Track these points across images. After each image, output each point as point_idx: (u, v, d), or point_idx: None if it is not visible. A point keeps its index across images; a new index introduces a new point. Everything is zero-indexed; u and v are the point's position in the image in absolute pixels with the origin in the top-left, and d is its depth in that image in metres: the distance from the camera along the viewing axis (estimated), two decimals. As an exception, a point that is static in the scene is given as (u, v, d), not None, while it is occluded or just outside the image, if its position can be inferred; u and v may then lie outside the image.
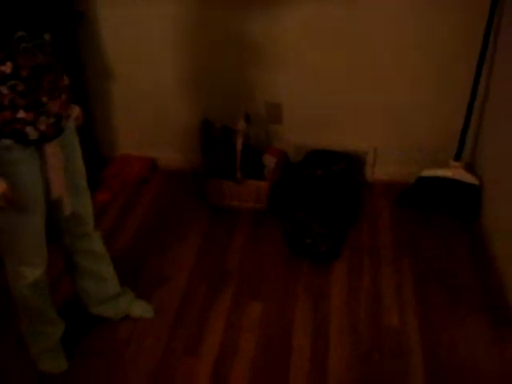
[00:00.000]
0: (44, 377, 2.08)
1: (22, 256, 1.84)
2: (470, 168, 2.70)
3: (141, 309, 2.29)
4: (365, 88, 2.72)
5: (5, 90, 1.57)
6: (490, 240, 2.46)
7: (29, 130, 1.65)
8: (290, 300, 2.32)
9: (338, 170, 2.73)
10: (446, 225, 2.66)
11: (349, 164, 2.80)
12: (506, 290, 2.25)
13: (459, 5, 2.39)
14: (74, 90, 1.72)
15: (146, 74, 2.86)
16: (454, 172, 2.65)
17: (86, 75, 2.88)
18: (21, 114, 1.62)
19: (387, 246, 2.57)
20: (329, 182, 2.67)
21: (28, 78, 1.60)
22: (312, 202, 2.62)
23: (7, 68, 1.55)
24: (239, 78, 2.78)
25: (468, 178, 2.63)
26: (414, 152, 2.81)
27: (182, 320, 2.27)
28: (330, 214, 2.57)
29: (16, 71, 1.58)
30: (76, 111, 1.89)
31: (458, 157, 2.65)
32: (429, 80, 2.62)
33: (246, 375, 2.05)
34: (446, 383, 2.00)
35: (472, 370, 2.04)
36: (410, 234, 2.62)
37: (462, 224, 2.64)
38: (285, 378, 2.04)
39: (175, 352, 2.15)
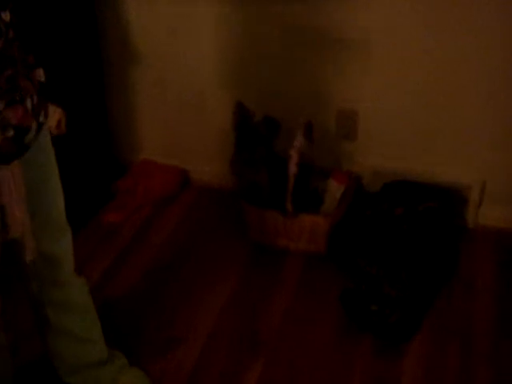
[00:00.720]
0: None
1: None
2: None
3: (133, 382, 1.90)
4: (475, 102, 2.28)
5: None
6: None
7: None
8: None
9: (426, 209, 2.26)
10: None
11: (443, 202, 2.32)
12: None
13: None
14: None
15: (181, 61, 2.53)
16: None
17: (103, 59, 2.60)
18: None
19: (487, 324, 2.07)
20: (410, 226, 2.20)
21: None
22: (386, 251, 2.15)
23: None
24: (302, 77, 2.41)
25: None
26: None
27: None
28: (409, 271, 2.09)
29: None
30: (55, 116, 1.55)
31: None
32: None
33: None
34: None
35: None
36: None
37: None
38: None
39: None
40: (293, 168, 2.24)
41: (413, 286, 2.09)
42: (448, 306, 2.15)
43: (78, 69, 2.39)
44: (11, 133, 1.36)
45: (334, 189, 2.37)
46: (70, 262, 1.71)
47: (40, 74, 1.46)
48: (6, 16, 1.32)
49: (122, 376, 1.89)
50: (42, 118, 1.45)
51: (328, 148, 2.49)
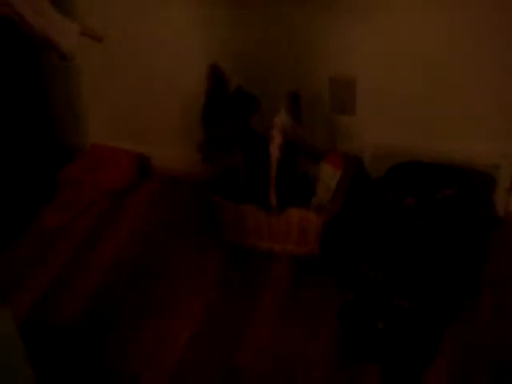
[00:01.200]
0: None
1: None
2: None
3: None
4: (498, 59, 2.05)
5: None
6: None
7: None
8: None
9: (444, 198, 2.03)
10: None
11: (464, 187, 2.09)
12: None
13: None
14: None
15: (135, 18, 2.28)
16: None
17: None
18: None
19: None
20: (425, 220, 1.96)
21: None
22: (395, 252, 1.91)
23: None
24: (287, 37, 2.17)
25: None
26: None
27: None
28: (425, 277, 1.85)
29: None
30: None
31: None
32: None
33: None
34: None
35: None
36: None
37: None
38: None
39: None
40: (275, 151, 1.97)
41: (430, 295, 1.83)
42: (476, 320, 1.90)
43: (10, 45, 2.17)
44: None
45: (328, 175, 2.14)
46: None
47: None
48: None
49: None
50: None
51: (319, 125, 2.30)
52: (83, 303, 2.01)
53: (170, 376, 1.77)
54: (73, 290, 2.06)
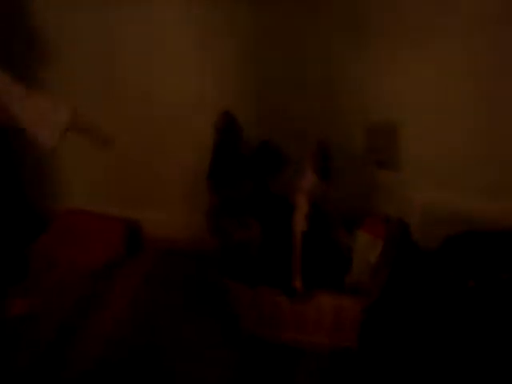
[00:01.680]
0: None
1: None
2: None
3: None
4: None
5: None
6: None
7: None
8: None
9: None
10: None
11: None
12: None
13: None
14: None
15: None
16: None
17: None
18: None
19: None
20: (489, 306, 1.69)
21: None
22: (460, 352, 1.65)
23: None
24: (314, 72, 1.99)
25: None
26: None
27: None
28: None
29: None
30: None
31: None
32: None
33: None
34: None
35: None
36: None
37: None
38: None
39: None
40: (300, 223, 1.74)
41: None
42: None
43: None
44: None
45: (366, 246, 1.89)
46: None
47: None
48: None
49: None
50: None
51: (354, 183, 2.13)
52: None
53: None
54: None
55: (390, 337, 1.84)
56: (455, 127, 2.01)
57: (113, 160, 2.30)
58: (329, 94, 2.05)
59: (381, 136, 2.08)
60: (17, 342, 1.96)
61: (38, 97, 1.57)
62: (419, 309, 1.82)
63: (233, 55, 2.08)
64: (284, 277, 1.85)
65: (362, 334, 1.88)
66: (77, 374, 1.88)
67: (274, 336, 1.94)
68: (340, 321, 1.85)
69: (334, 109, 2.07)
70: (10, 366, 1.87)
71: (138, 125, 2.27)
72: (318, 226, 1.87)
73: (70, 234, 2.35)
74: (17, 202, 2.38)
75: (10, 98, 1.52)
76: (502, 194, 2.10)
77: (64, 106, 1.58)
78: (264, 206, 1.92)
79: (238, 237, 1.91)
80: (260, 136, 1.95)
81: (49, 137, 1.53)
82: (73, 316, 2.07)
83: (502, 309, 1.73)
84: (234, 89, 2.12)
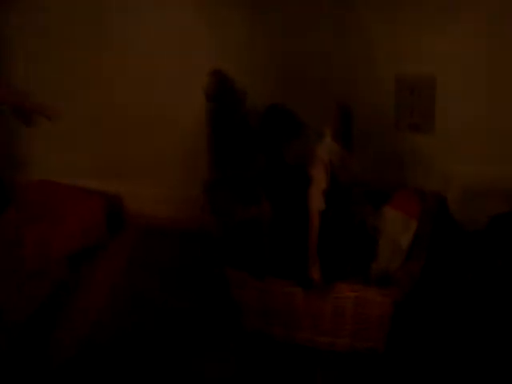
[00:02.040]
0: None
1: None
2: None
3: None
4: None
5: None
6: None
7: None
8: None
9: None
10: None
11: None
12: None
13: None
14: None
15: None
16: None
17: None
18: None
19: None
20: None
21: None
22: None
23: None
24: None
25: None
26: None
27: None
28: None
29: None
30: None
31: None
32: None
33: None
34: None
35: None
36: None
37: None
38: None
39: None
40: (316, 201, 1.55)
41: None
42: None
43: None
44: None
45: (396, 227, 1.74)
46: None
47: None
48: None
49: None
50: None
51: (381, 150, 1.99)
52: None
53: None
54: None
55: (424, 336, 1.67)
56: (502, 93, 1.85)
57: (90, 125, 2.21)
58: (354, 47, 1.88)
59: (414, 91, 1.92)
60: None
61: None
62: (460, 303, 1.66)
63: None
64: (298, 265, 1.67)
65: (391, 333, 1.69)
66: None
67: (285, 335, 1.81)
68: (364, 317, 1.69)
69: (359, 62, 1.90)
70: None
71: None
72: (338, 204, 1.67)
73: (38, 210, 2.16)
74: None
75: None
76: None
77: None
78: (275, 179, 1.73)
79: (242, 216, 1.75)
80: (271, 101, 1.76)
81: None
82: (43, 313, 1.89)
83: None
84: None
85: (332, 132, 1.65)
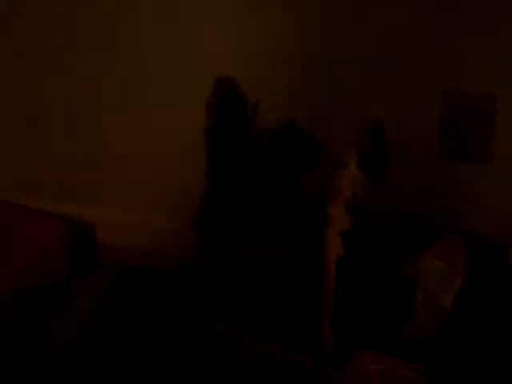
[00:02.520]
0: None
1: None
2: None
3: None
4: None
5: None
6: None
7: None
8: None
9: None
10: None
11: None
12: None
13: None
14: None
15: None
16: None
17: None
18: None
19: None
20: None
21: None
22: None
23: None
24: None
25: None
26: None
27: None
28: None
29: None
30: None
31: None
32: None
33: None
34: None
35: None
36: None
37: None
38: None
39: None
40: (334, 245, 1.34)
41: None
42: None
43: None
44: None
45: (438, 281, 1.47)
46: None
47: None
48: None
49: None
50: None
51: (422, 184, 1.76)
52: None
53: None
54: None
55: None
56: None
57: (52, 130, 2.05)
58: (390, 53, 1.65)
59: (467, 110, 1.65)
60: None
61: None
62: None
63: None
64: (308, 327, 1.45)
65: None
66: None
67: None
68: None
69: (397, 72, 1.67)
70: None
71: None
72: (363, 249, 1.45)
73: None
74: None
75: None
76: None
77: None
78: (287, 214, 1.53)
79: (242, 259, 1.53)
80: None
81: None
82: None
83: None
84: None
85: (357, 157, 1.41)
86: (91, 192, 2.15)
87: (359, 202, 1.42)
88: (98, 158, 2.12)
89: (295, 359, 1.44)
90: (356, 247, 1.42)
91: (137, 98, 1.99)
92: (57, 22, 2.01)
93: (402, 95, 1.70)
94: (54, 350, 1.69)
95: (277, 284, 1.49)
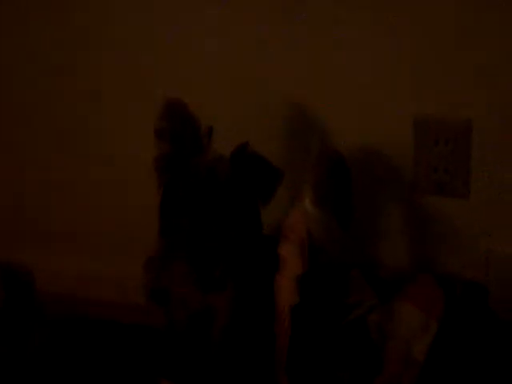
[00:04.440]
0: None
1: None
2: None
3: None
4: None
5: None
6: None
7: None
8: None
9: None
10: None
11: None
12: None
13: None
14: None
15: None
16: None
17: None
18: None
19: None
20: None
21: None
22: None
23: None
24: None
25: None
26: None
27: None
28: None
29: None
30: None
31: None
32: None
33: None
34: None
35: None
36: None
37: None
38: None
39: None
40: (286, 291, 1.25)
41: None
42: None
43: None
44: None
45: (410, 328, 1.39)
46: None
47: None
48: None
49: None
50: None
51: (393, 220, 1.63)
52: None
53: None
54: None
55: None
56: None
57: None
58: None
59: (440, 139, 1.57)
60: None
61: None
62: None
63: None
64: (262, 375, 1.35)
65: None
66: None
67: None
68: None
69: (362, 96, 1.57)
70: None
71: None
72: (322, 295, 1.35)
73: None
74: None
75: None
76: None
77: None
78: (246, 255, 1.41)
79: (196, 306, 1.43)
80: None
81: None
82: None
83: None
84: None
85: (313, 193, 1.33)
86: (28, 238, 2.02)
87: (315, 242, 1.33)
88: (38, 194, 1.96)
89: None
90: (314, 293, 1.32)
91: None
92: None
93: (369, 119, 1.60)
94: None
95: (229, 335, 1.38)
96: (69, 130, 1.90)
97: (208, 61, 1.70)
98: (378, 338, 1.40)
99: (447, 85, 1.60)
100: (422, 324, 1.40)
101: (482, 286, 1.54)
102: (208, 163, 1.41)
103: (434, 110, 1.59)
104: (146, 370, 1.46)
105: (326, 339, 1.34)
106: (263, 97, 1.68)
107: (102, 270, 1.95)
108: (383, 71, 1.61)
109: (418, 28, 1.59)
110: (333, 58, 1.64)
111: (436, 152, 1.60)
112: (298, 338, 1.28)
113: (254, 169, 1.41)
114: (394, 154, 1.63)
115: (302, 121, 1.65)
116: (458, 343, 1.42)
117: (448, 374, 1.36)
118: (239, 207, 1.42)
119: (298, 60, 1.65)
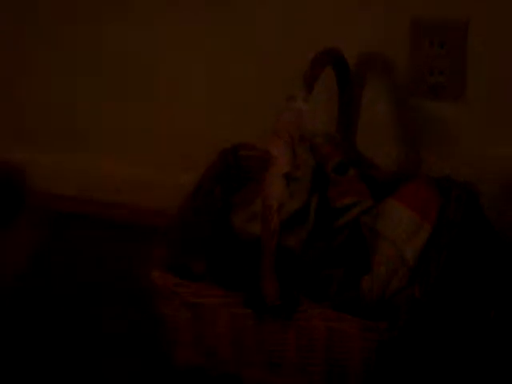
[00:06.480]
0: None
1: None
2: None
3: None
4: None
5: None
6: None
7: None
8: None
9: None
10: None
11: None
12: None
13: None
14: None
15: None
16: None
17: None
18: None
19: None
20: None
21: None
22: None
23: None
24: None
25: None
26: None
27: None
28: None
29: None
30: None
31: None
32: None
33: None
34: None
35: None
36: None
37: None
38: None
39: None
40: (275, 188, 1.27)
41: None
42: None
43: None
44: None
45: (402, 230, 1.46)
46: None
47: None
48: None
49: None
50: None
51: (389, 122, 1.71)
52: None
53: None
54: None
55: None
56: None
57: None
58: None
59: (436, 39, 1.61)
60: None
61: None
62: (474, 347, 1.39)
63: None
64: (248, 277, 1.39)
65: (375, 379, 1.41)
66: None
67: (228, 373, 1.53)
68: (339, 357, 1.39)
69: None
70: None
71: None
72: (313, 192, 1.45)
73: None
74: None
75: None
76: None
77: None
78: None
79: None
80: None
81: None
82: None
83: None
84: None
85: (307, 90, 1.33)
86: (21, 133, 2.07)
87: (310, 140, 1.40)
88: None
89: (235, 311, 1.40)
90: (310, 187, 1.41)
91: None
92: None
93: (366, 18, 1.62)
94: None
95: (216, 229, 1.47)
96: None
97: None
98: (369, 238, 1.46)
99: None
100: (415, 225, 1.47)
101: (474, 188, 1.57)
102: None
103: (432, 10, 1.60)
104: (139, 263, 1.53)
105: (315, 235, 1.41)
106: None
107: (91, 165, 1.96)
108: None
109: None
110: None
111: (431, 54, 1.62)
112: (286, 234, 1.34)
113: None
114: (390, 56, 1.65)
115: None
116: (451, 251, 1.47)
117: (436, 282, 1.42)
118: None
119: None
